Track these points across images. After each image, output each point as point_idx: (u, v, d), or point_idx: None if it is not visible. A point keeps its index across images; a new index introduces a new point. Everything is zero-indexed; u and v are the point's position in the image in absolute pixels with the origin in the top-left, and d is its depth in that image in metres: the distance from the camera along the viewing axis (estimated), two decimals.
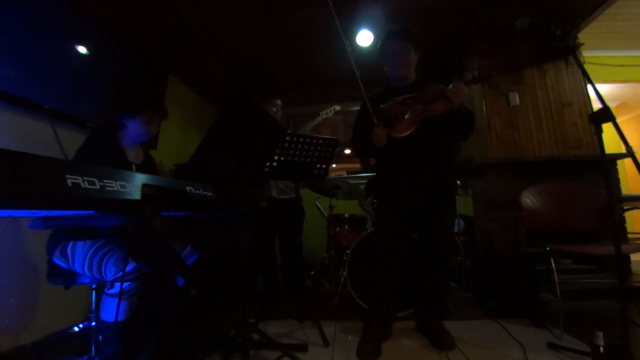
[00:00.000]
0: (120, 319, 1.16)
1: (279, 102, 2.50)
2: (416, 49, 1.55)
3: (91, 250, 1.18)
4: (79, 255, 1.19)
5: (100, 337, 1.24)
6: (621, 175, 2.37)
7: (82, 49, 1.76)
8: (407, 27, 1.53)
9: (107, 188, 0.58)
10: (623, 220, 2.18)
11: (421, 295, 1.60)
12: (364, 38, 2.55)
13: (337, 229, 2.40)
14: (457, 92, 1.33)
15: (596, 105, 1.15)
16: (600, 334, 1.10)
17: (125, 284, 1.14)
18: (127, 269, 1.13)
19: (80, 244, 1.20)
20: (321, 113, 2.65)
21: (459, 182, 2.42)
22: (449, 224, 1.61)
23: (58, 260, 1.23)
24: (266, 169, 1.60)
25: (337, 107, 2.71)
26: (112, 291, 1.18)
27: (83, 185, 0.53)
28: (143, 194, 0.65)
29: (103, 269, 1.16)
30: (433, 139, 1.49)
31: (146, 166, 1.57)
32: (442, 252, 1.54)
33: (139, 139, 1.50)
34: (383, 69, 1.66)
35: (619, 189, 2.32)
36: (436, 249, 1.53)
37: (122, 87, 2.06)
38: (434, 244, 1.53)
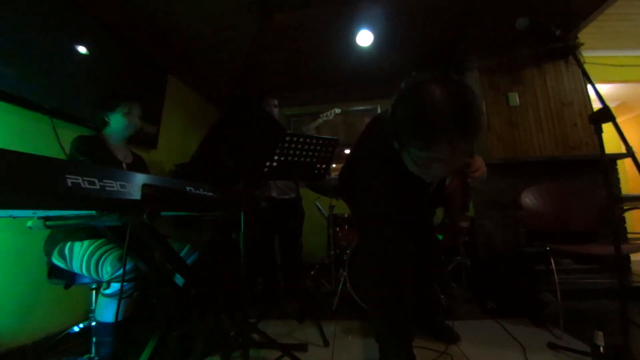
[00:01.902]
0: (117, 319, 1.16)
1: (275, 101, 2.50)
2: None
3: (88, 251, 1.18)
4: (76, 256, 1.19)
5: (95, 337, 1.23)
6: (621, 175, 2.37)
7: (82, 49, 1.76)
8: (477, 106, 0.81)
9: (107, 188, 0.58)
10: (623, 220, 2.18)
11: (423, 292, 1.59)
12: (364, 38, 2.55)
13: (337, 229, 2.40)
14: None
15: (596, 105, 1.15)
16: (600, 334, 1.10)
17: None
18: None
19: (77, 244, 1.20)
20: (321, 115, 2.66)
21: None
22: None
23: (56, 261, 1.23)
24: (266, 169, 1.60)
25: (338, 110, 2.71)
26: (108, 291, 1.18)
27: (83, 185, 0.53)
28: (143, 194, 0.65)
29: (100, 269, 1.16)
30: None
31: (136, 165, 1.58)
32: (437, 249, 1.53)
33: (124, 132, 1.50)
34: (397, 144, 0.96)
35: (619, 189, 2.32)
36: (431, 246, 1.52)
37: (122, 86, 2.06)
38: (429, 242, 1.52)
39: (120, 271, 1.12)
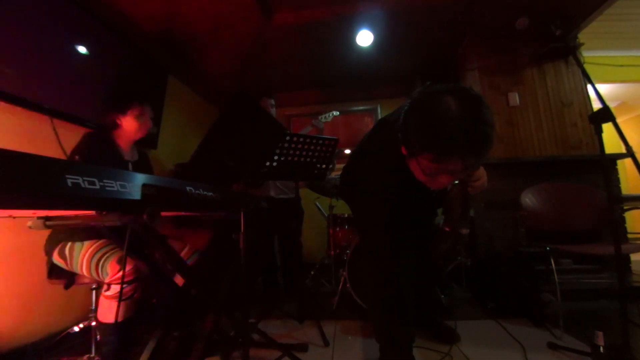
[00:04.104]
0: (117, 320, 1.16)
1: (272, 101, 2.50)
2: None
3: (89, 251, 1.18)
4: (76, 256, 1.19)
5: (99, 337, 1.24)
6: (621, 175, 2.37)
7: (82, 49, 1.76)
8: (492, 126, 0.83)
9: (107, 188, 0.57)
10: (623, 220, 2.18)
11: (423, 291, 1.58)
12: (364, 38, 2.55)
13: (337, 229, 2.40)
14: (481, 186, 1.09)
15: (596, 105, 1.15)
16: (600, 334, 1.10)
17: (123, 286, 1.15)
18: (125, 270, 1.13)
19: (78, 244, 1.20)
20: (320, 117, 2.65)
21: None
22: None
23: (57, 261, 1.23)
24: (266, 169, 1.60)
25: (336, 112, 2.70)
26: (109, 293, 1.18)
27: (83, 185, 0.53)
28: (143, 194, 0.65)
29: (101, 271, 1.16)
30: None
31: (142, 164, 1.58)
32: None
33: (136, 135, 1.50)
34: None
35: (619, 189, 2.32)
36: (429, 254, 1.51)
37: (122, 86, 2.06)
38: (426, 241, 1.50)
39: (120, 274, 1.12)
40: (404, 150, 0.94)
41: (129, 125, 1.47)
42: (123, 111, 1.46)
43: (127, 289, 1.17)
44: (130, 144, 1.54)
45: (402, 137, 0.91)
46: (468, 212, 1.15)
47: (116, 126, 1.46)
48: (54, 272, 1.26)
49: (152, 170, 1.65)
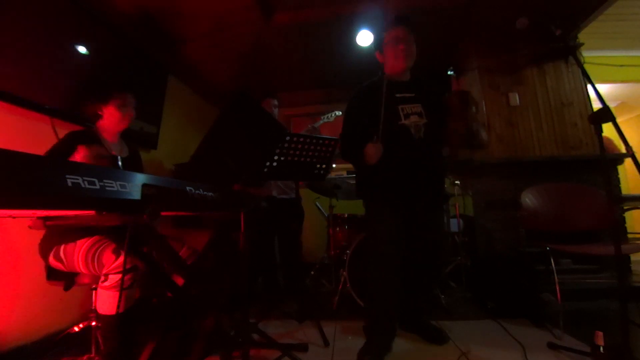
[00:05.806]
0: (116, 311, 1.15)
1: (275, 101, 2.50)
2: (416, 43, 1.53)
3: (83, 247, 1.18)
4: (71, 256, 1.19)
5: (99, 333, 1.23)
6: (621, 175, 2.37)
7: (82, 49, 1.76)
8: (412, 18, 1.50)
9: (107, 188, 0.58)
10: (623, 220, 2.18)
11: (412, 294, 1.58)
12: (364, 38, 2.55)
13: (337, 229, 2.40)
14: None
15: (596, 105, 1.15)
16: (600, 334, 1.10)
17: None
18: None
19: (71, 245, 1.20)
20: (322, 117, 2.65)
21: (458, 182, 2.41)
22: (442, 226, 1.64)
23: (54, 265, 1.23)
24: (266, 169, 1.60)
25: (338, 112, 2.70)
26: (107, 283, 1.17)
27: (83, 185, 0.53)
28: (143, 194, 0.65)
29: (97, 263, 1.16)
30: (434, 142, 1.49)
31: (132, 160, 1.54)
32: (435, 255, 1.55)
33: (119, 125, 1.47)
34: (379, 61, 1.63)
35: (619, 189, 2.32)
36: (430, 252, 1.52)
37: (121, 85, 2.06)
38: (427, 247, 1.51)
39: (116, 263, 1.13)
40: (379, 57, 1.61)
41: (111, 115, 1.43)
42: (105, 100, 1.42)
43: (125, 278, 1.16)
44: (116, 136, 1.50)
45: (378, 44, 1.59)
46: (470, 105, 1.47)
47: (98, 117, 1.43)
48: (53, 274, 1.25)
49: (142, 167, 1.64)
